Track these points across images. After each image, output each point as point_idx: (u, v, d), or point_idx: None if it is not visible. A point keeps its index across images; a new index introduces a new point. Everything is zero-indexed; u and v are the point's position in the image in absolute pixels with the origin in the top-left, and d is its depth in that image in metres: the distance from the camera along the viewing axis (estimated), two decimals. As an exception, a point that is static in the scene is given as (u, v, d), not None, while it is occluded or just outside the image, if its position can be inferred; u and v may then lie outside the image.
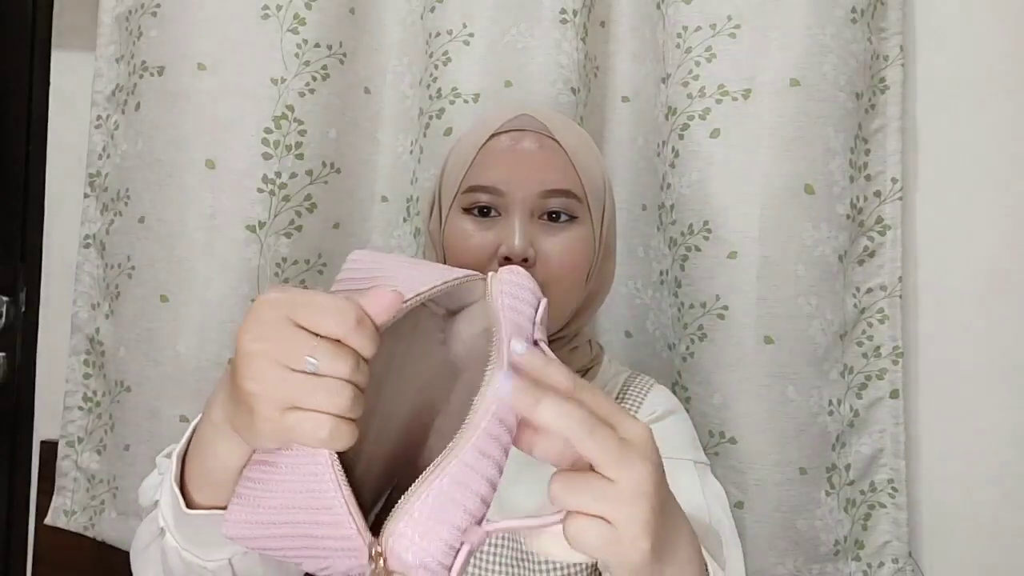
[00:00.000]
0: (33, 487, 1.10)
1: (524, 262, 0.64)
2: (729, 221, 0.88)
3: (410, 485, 0.39)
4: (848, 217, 0.90)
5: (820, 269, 0.88)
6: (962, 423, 0.93)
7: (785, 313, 0.88)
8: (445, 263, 0.70)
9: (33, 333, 1.13)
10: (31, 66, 1.11)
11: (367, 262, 0.45)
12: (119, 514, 0.99)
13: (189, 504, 0.48)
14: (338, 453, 0.40)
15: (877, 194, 0.93)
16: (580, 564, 0.63)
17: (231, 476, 0.44)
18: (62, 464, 1.03)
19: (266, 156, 0.93)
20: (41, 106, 1.12)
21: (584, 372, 0.72)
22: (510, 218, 0.65)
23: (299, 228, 0.95)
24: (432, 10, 0.98)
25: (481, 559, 0.63)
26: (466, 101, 0.95)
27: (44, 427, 1.11)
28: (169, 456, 0.52)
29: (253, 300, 0.41)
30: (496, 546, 0.64)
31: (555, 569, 0.62)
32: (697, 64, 0.90)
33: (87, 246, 1.03)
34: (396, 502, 0.39)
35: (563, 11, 0.92)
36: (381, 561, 0.38)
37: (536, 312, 0.44)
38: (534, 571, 0.62)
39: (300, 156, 0.94)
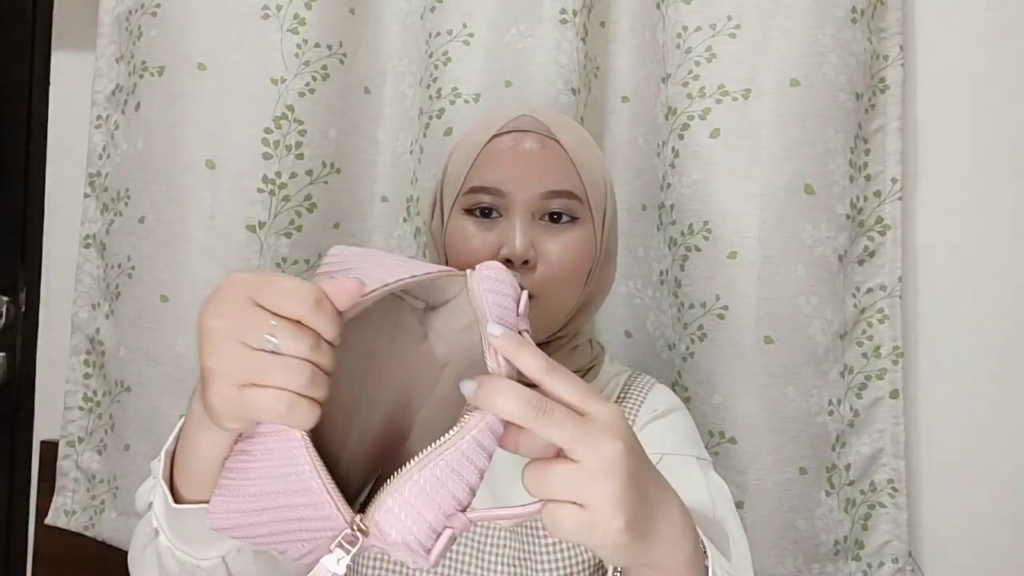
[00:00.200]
0: (33, 487, 1.10)
1: (525, 263, 0.64)
2: (729, 221, 0.88)
3: (392, 476, 0.39)
4: (848, 217, 0.90)
5: (820, 269, 0.89)
6: (962, 423, 0.93)
7: (785, 313, 0.88)
8: (447, 263, 0.70)
9: (33, 333, 1.13)
10: (31, 66, 1.11)
11: (344, 256, 0.46)
12: (119, 514, 0.99)
13: (178, 501, 0.48)
14: (320, 448, 0.40)
15: (877, 194, 0.93)
16: (582, 562, 0.63)
17: (215, 469, 0.44)
18: (62, 464, 1.03)
19: (266, 156, 0.93)
20: (41, 106, 1.12)
21: (585, 372, 0.72)
22: (511, 219, 0.66)
23: (299, 228, 0.95)
24: (432, 10, 0.98)
25: (483, 558, 0.63)
26: (466, 101, 0.95)
27: (44, 427, 1.11)
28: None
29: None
30: (498, 545, 0.64)
31: (557, 567, 0.62)
32: (697, 64, 0.90)
33: (87, 246, 1.03)
34: (379, 491, 0.39)
35: (563, 11, 0.92)
36: (363, 536, 0.39)
37: (518, 305, 0.44)
38: (536, 570, 0.62)
39: (300, 156, 0.94)
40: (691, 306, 0.90)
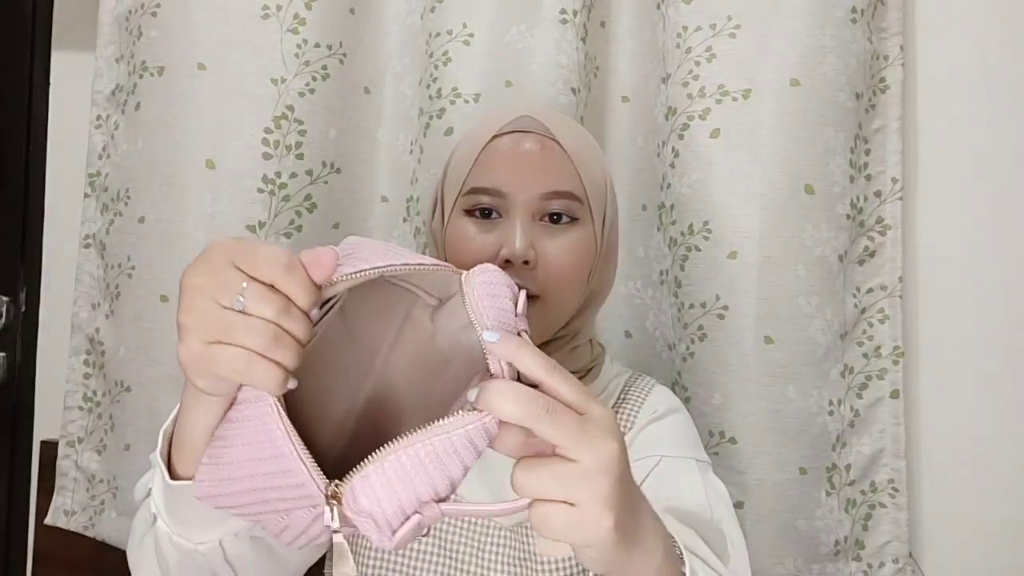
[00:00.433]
0: (33, 487, 1.10)
1: (525, 264, 0.64)
2: (729, 221, 0.88)
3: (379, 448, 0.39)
4: (848, 217, 0.90)
5: (820, 269, 0.88)
6: (962, 423, 0.93)
7: (785, 313, 0.88)
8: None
9: (33, 333, 1.13)
10: (31, 66, 1.11)
11: (352, 245, 0.46)
12: (119, 514, 0.99)
13: (175, 479, 0.49)
14: (316, 435, 0.41)
15: (877, 194, 0.93)
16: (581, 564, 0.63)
17: (207, 441, 0.45)
18: (62, 464, 1.03)
19: (266, 156, 0.93)
20: (41, 106, 1.12)
21: (585, 372, 0.72)
22: (511, 220, 0.66)
23: (299, 228, 0.95)
24: (432, 10, 0.98)
25: (483, 557, 0.63)
26: (466, 101, 0.95)
27: (44, 427, 1.11)
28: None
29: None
30: (499, 545, 0.64)
31: (557, 569, 0.62)
32: (697, 64, 0.90)
33: (87, 246, 1.03)
34: (362, 461, 0.39)
35: (563, 11, 0.92)
36: (337, 503, 0.39)
37: (516, 305, 0.44)
38: (536, 570, 0.62)
39: (300, 156, 0.94)
40: (691, 306, 0.90)
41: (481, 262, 0.65)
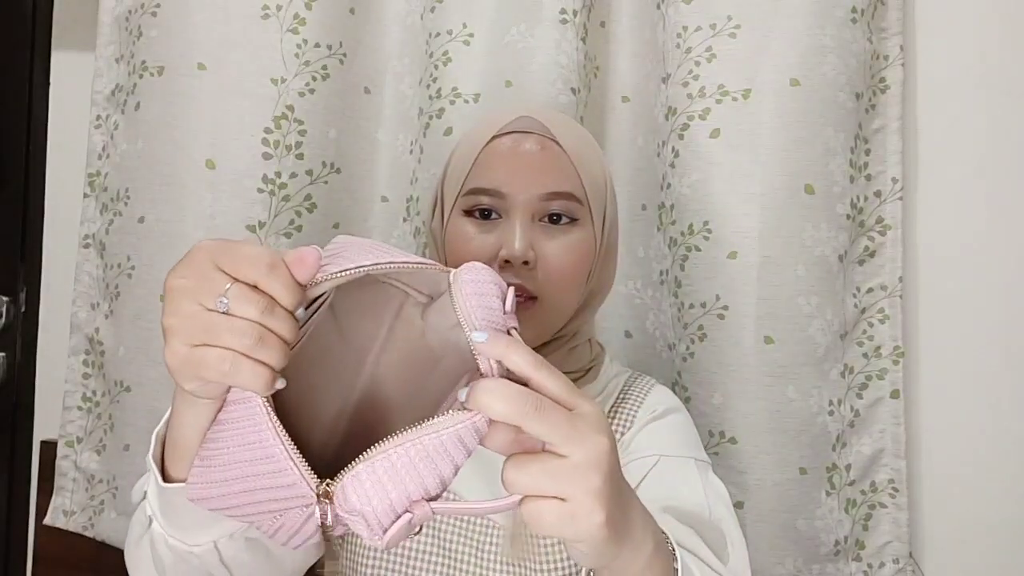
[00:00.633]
0: (33, 487, 1.10)
1: (524, 265, 0.64)
2: (729, 221, 0.88)
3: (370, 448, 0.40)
4: (848, 217, 0.90)
5: (820, 269, 0.88)
6: (963, 423, 0.93)
7: (785, 313, 0.88)
8: (446, 264, 0.70)
9: (33, 333, 1.13)
10: (31, 66, 1.11)
11: (340, 245, 0.46)
12: (119, 514, 0.99)
13: (168, 482, 0.49)
14: (307, 435, 0.41)
15: (877, 194, 0.93)
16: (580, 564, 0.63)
17: (198, 444, 0.45)
18: (61, 464, 1.03)
19: (266, 156, 0.93)
20: (41, 106, 1.12)
21: (584, 372, 0.72)
22: (511, 221, 0.66)
23: (299, 228, 0.95)
24: (432, 10, 0.98)
25: (482, 557, 0.63)
26: (466, 101, 0.95)
27: (44, 427, 1.11)
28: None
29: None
30: (498, 545, 0.64)
31: (556, 568, 0.62)
32: (697, 64, 0.90)
33: (87, 246, 1.03)
34: (353, 461, 0.40)
35: (563, 11, 0.92)
36: (328, 501, 0.39)
37: (504, 303, 0.44)
38: (535, 570, 0.62)
39: (300, 156, 0.94)
40: (691, 306, 0.90)
41: (481, 263, 0.65)
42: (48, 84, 1.12)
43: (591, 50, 0.97)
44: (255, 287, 0.39)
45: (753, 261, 0.87)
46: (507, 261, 0.64)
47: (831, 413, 0.90)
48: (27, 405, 1.12)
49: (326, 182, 0.97)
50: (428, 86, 0.97)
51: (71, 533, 1.03)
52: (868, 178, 0.93)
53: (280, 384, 0.40)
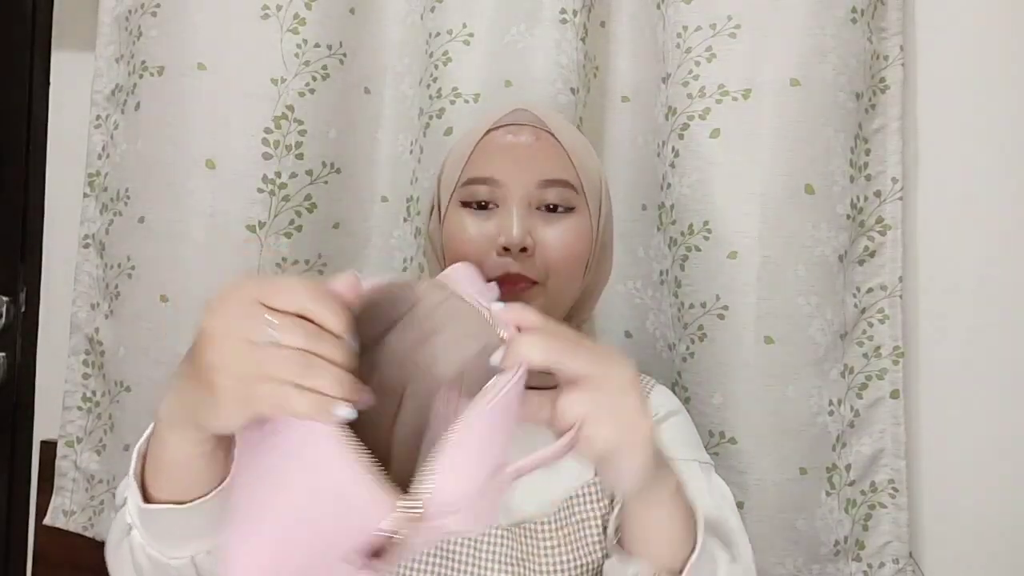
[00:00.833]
0: (33, 487, 1.10)
1: (523, 251, 0.64)
2: (729, 221, 0.88)
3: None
4: (848, 217, 0.90)
5: (820, 269, 0.88)
6: (962, 423, 0.93)
7: (785, 313, 0.88)
8: (444, 264, 0.70)
9: (33, 333, 1.13)
10: (31, 66, 1.11)
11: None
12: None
13: (149, 500, 0.49)
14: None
15: (877, 194, 0.93)
16: (581, 564, 0.63)
17: (183, 469, 0.46)
18: (61, 464, 1.03)
19: (266, 156, 0.93)
20: (41, 106, 1.12)
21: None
22: (508, 208, 0.66)
23: (299, 228, 0.95)
24: (432, 10, 0.98)
25: (481, 558, 0.63)
26: (466, 101, 0.95)
27: (44, 427, 1.11)
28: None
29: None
30: (497, 545, 0.63)
31: (556, 568, 0.62)
32: (697, 64, 0.90)
33: (87, 246, 1.03)
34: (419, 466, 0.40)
35: (563, 11, 0.92)
36: (415, 511, 0.38)
37: (487, 295, 0.48)
38: (535, 571, 0.62)
39: (300, 156, 0.94)
40: (691, 306, 0.90)
41: (479, 251, 0.66)
42: (48, 84, 1.12)
43: (591, 50, 0.97)
44: (299, 316, 0.39)
45: (753, 261, 0.87)
46: (506, 248, 0.64)
47: (831, 413, 0.90)
48: (27, 405, 1.12)
49: (326, 182, 0.97)
50: (428, 86, 0.97)
51: (71, 533, 1.03)
52: (868, 178, 0.93)
53: (347, 413, 0.38)
